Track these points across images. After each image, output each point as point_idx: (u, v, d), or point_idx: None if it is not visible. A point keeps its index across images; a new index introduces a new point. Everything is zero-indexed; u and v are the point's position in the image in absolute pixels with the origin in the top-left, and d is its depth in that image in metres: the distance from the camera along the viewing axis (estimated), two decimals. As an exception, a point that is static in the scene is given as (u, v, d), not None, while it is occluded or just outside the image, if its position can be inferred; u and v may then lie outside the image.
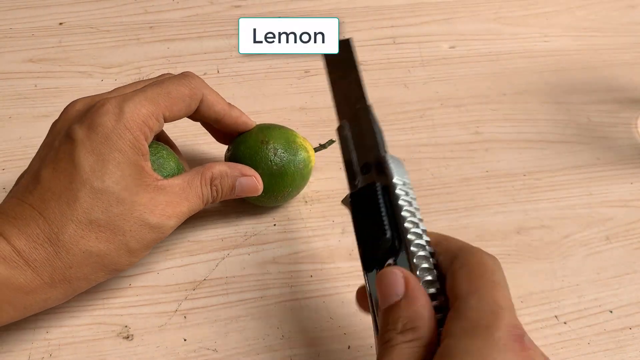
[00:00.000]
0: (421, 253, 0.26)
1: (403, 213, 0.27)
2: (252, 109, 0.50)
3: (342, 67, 0.36)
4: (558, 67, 0.57)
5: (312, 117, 0.50)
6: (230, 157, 0.40)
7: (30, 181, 0.32)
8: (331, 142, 0.43)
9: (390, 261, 0.27)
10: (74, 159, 0.31)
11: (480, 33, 0.60)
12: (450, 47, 0.58)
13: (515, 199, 0.45)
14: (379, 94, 0.53)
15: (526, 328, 0.37)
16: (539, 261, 0.41)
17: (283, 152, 0.39)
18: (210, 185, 0.35)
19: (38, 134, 0.47)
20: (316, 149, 0.43)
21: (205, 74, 0.53)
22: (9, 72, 0.52)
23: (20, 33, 0.55)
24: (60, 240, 0.30)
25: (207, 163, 0.36)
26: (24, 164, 0.44)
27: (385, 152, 0.30)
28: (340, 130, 0.34)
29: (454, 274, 0.26)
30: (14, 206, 0.31)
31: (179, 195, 0.34)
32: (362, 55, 0.56)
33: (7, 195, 0.34)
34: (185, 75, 0.36)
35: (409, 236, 0.26)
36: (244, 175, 0.37)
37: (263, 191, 0.39)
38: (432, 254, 0.27)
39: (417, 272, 0.26)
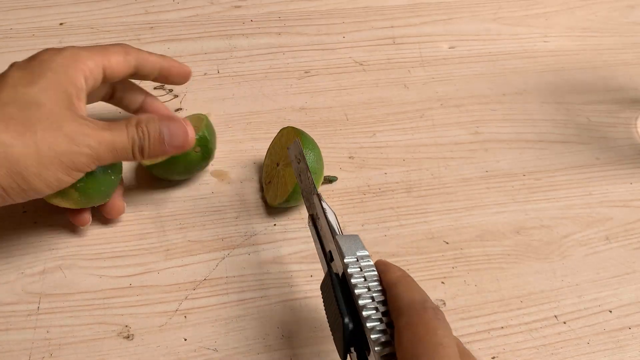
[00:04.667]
0: (377, 329, 0.27)
1: (357, 291, 0.28)
2: (252, 109, 0.50)
3: (295, 158, 0.38)
4: (558, 67, 0.57)
5: (312, 117, 0.50)
6: None
7: None
8: (335, 178, 0.45)
9: (352, 350, 0.28)
10: (7, 73, 0.32)
11: (480, 33, 0.60)
12: (450, 47, 0.58)
13: (515, 199, 0.45)
14: (379, 94, 0.53)
15: (526, 328, 0.38)
16: (539, 261, 0.41)
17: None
18: (136, 126, 0.34)
19: (38, 134, 0.47)
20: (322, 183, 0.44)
21: (205, 74, 0.53)
22: (9, 72, 0.52)
23: (21, 33, 0.55)
24: None
25: None
26: (25, 164, 0.44)
27: (337, 234, 0.32)
28: (308, 223, 0.36)
29: (400, 332, 0.26)
30: None
31: (102, 126, 0.33)
32: (362, 55, 0.56)
33: None
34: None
35: (364, 312, 0.27)
36: (171, 120, 0.36)
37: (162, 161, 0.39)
38: (389, 324, 0.28)
39: (375, 349, 0.27)
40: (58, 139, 0.31)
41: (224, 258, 0.40)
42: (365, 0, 0.63)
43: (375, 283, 0.29)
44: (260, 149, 0.46)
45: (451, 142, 0.49)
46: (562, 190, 0.46)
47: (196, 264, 0.39)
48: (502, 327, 0.38)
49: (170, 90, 0.51)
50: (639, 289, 0.40)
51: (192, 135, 0.36)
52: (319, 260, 0.40)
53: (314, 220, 0.35)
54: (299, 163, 0.37)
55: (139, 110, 0.42)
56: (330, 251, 0.32)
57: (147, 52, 0.39)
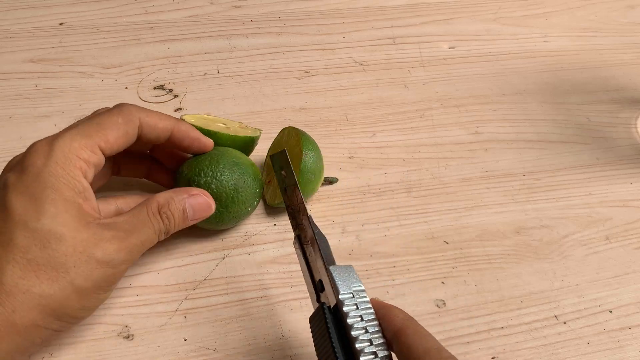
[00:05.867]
0: None
1: (354, 333, 0.26)
2: (252, 109, 0.50)
3: (285, 175, 0.35)
4: (558, 68, 0.57)
5: (312, 117, 0.50)
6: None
7: None
8: (336, 179, 0.45)
9: None
10: (6, 202, 0.30)
11: (480, 33, 0.60)
12: (450, 48, 0.58)
13: (515, 199, 0.45)
14: (379, 94, 0.53)
15: (526, 328, 0.38)
16: (539, 261, 0.41)
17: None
18: (160, 214, 0.34)
19: (38, 134, 0.47)
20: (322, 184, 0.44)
21: (205, 74, 0.53)
22: (9, 72, 0.52)
23: (20, 33, 0.55)
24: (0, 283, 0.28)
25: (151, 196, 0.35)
26: (25, 164, 0.44)
27: (330, 264, 0.30)
28: (295, 244, 0.33)
29: None
30: None
31: (127, 230, 0.32)
32: (362, 55, 0.57)
33: None
34: (117, 105, 0.35)
35: (362, 358, 0.26)
36: (191, 195, 0.35)
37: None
38: None
39: None
40: (93, 271, 0.30)
41: (224, 258, 0.40)
42: (365, 0, 0.63)
43: (373, 324, 0.27)
44: (260, 149, 0.46)
45: (451, 142, 0.49)
46: (562, 190, 0.46)
47: (196, 264, 0.39)
48: (502, 327, 0.38)
49: (170, 90, 0.51)
50: (639, 289, 0.40)
51: (213, 206, 0.36)
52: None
53: (301, 242, 0.33)
54: (284, 176, 0.35)
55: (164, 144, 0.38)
56: (320, 280, 0.30)
57: (156, 115, 0.36)
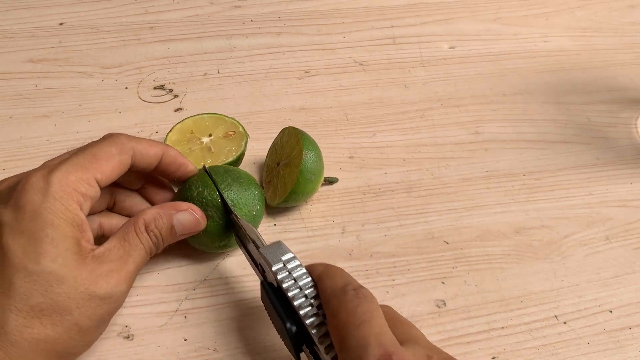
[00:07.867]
0: (316, 323, 0.28)
1: (290, 293, 0.29)
2: (252, 109, 0.50)
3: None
4: (558, 67, 0.57)
5: (312, 117, 0.50)
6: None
7: None
8: (336, 179, 0.45)
9: (303, 347, 0.30)
10: (3, 244, 0.29)
11: (480, 33, 0.60)
12: (450, 48, 0.58)
13: (515, 199, 0.45)
14: (379, 94, 0.53)
15: (526, 328, 0.38)
16: (539, 261, 0.41)
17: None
18: (147, 232, 0.33)
19: (38, 134, 0.47)
20: (322, 184, 0.44)
21: (205, 74, 0.53)
22: (9, 72, 0.52)
23: (20, 33, 0.55)
24: (2, 334, 0.27)
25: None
26: (24, 164, 0.44)
27: (260, 246, 0.32)
28: (237, 242, 0.37)
29: (328, 322, 0.28)
30: None
31: (121, 257, 0.32)
32: (362, 55, 0.57)
33: None
34: (107, 136, 0.34)
35: (301, 311, 0.29)
36: (179, 211, 0.35)
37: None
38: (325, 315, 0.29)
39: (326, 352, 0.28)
40: (96, 309, 0.30)
41: (224, 258, 0.40)
42: (365, 0, 0.63)
43: (306, 281, 0.30)
44: (260, 149, 0.46)
45: (451, 142, 0.49)
46: (562, 190, 0.46)
47: (196, 264, 0.39)
48: (502, 327, 0.38)
49: (170, 90, 0.51)
50: (639, 289, 0.40)
51: (203, 221, 0.36)
52: (318, 261, 0.40)
53: (240, 238, 0.36)
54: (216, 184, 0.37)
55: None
56: (260, 264, 0.33)
57: (146, 142, 0.35)
